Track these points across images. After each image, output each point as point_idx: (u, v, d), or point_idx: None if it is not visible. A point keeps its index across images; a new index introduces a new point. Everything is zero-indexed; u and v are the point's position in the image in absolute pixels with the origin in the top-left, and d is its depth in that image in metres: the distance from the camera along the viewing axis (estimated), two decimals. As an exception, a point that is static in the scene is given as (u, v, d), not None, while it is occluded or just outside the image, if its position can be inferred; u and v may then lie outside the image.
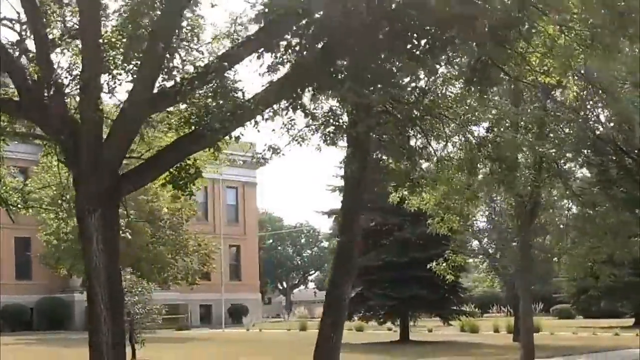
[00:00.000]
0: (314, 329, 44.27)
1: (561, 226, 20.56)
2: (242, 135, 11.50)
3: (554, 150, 17.87)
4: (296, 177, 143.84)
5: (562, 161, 19.78)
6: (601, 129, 23.18)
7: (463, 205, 18.20)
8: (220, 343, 34.68)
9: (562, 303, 56.77)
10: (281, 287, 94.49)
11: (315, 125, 14.08)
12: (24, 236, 47.62)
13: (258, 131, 11.72)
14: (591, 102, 21.42)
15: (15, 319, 47.24)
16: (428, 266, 20.56)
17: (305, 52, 10.96)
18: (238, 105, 10.93)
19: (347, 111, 14.36)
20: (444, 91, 14.62)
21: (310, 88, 11.25)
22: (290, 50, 10.91)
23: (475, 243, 31.05)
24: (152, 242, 36.72)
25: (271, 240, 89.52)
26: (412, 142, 14.92)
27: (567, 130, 20.93)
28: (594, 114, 22.51)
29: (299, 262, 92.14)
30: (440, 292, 31.18)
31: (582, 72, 19.23)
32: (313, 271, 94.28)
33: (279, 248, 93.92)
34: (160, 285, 42.60)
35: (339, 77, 11.12)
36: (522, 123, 19.03)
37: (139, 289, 26.89)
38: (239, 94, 11.09)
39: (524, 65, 14.02)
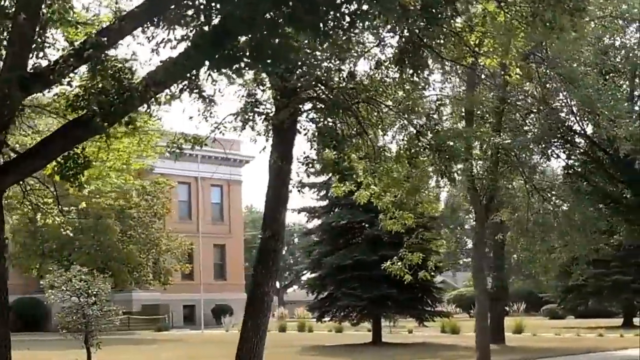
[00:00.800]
0: (293, 330, 43.39)
1: (523, 223, 19.38)
2: (134, 120, 10.45)
3: (509, 140, 16.70)
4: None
5: (523, 153, 18.61)
6: (573, 119, 22.11)
7: (414, 200, 17.11)
8: (190, 345, 33.67)
9: (551, 303, 55.53)
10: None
11: (236, 113, 13.20)
12: (-1, 235, 46.57)
13: (151, 116, 10.69)
14: (563, 92, 20.38)
15: (-9, 320, 46.26)
16: (382, 266, 19.42)
17: (198, 27, 9.88)
18: (124, 87, 9.87)
19: (273, 97, 13.41)
20: (379, 75, 13.68)
21: (205, 67, 10.12)
22: (180, 25, 9.82)
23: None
24: (121, 241, 35.68)
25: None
26: (346, 130, 13.97)
27: (530, 121, 19.86)
28: (567, 104, 21.43)
29: (292, 261, 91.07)
30: (413, 291, 30.00)
31: (544, 58, 18.20)
32: (306, 271, 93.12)
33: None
34: (138, 286, 41.73)
35: (237, 54, 10.01)
36: (478, 112, 17.99)
37: (95, 290, 25.85)
38: (127, 75, 10.07)
39: (462, 46, 13.00)
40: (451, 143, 13.73)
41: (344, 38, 10.50)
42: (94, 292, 25.55)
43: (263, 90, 12.80)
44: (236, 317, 53.07)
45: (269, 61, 10.14)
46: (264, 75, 12.85)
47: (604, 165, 21.72)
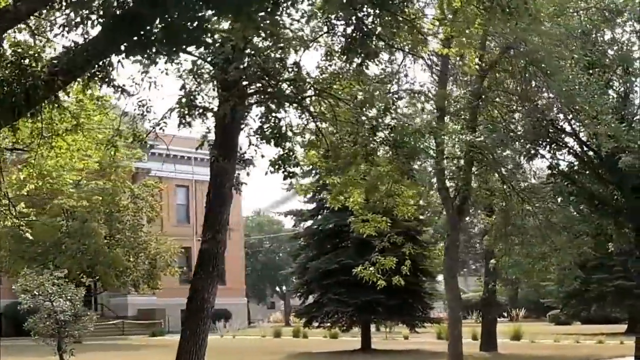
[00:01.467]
0: (288, 336, 42.44)
1: (501, 226, 18.36)
2: (39, 112, 9.63)
3: (481, 138, 15.70)
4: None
5: (499, 151, 17.61)
6: (559, 117, 21.13)
7: (387, 202, 16.20)
8: (171, 350, 32.77)
9: (555, 308, 54.27)
10: (280, 292, 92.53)
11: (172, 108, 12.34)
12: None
13: (59, 106, 9.85)
14: (547, 89, 19.39)
15: (-18, 325, 45.66)
16: (353, 271, 18.42)
17: (107, 10, 9.02)
18: (26, 75, 9.03)
19: (215, 89, 12.54)
20: (331, 67, 12.80)
21: (115, 53, 9.25)
22: (85, 8, 8.96)
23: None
24: (108, 244, 34.86)
25: (269, 244, 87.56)
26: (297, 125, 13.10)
27: (511, 118, 18.90)
28: (553, 101, 20.44)
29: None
30: (402, 297, 28.95)
31: (521, 50, 17.30)
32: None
33: (280, 255, 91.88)
34: (126, 290, 40.96)
35: (150, 40, 9.14)
36: (451, 109, 17.05)
37: (69, 295, 25.01)
38: (32, 62, 9.22)
39: (416, 35, 12.09)
40: (408, 139, 12.84)
41: (271, 22, 9.61)
42: (68, 297, 24.75)
43: (200, 83, 11.91)
44: (233, 322, 52.27)
45: (184, 47, 9.32)
46: (207, 66, 12.07)
47: (592, 166, 20.69)
